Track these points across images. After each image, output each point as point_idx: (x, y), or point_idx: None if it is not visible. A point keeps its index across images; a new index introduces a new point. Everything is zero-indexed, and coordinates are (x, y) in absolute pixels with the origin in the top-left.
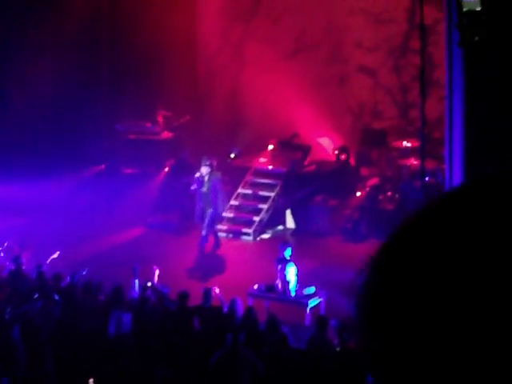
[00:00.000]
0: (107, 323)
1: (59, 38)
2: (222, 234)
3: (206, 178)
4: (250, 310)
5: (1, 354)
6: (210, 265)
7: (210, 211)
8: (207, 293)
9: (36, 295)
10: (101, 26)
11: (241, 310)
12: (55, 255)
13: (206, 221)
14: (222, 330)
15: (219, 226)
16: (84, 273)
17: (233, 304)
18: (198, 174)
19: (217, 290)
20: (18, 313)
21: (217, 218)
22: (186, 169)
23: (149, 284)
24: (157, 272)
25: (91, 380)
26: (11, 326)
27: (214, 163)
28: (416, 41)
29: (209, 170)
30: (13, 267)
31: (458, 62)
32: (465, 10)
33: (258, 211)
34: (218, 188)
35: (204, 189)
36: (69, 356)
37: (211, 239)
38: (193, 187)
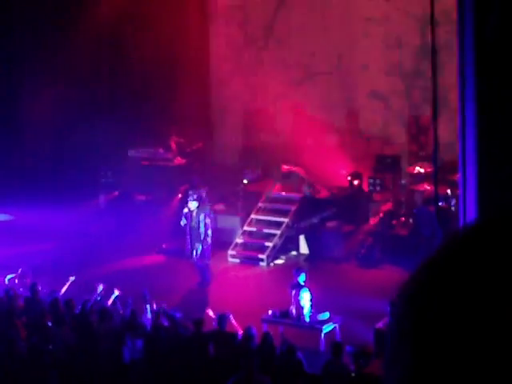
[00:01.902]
0: (121, 348)
1: (72, 65)
2: (234, 260)
3: (195, 213)
4: (266, 336)
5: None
6: (222, 291)
7: (199, 246)
8: (222, 318)
9: (50, 322)
10: (115, 53)
11: (256, 336)
12: (72, 279)
13: (198, 256)
14: (237, 355)
15: (231, 252)
16: (98, 299)
17: (248, 331)
18: (185, 210)
19: (231, 317)
20: (32, 341)
21: (207, 253)
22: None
23: (161, 310)
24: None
25: None
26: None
27: (203, 195)
28: (427, 64)
29: (197, 204)
30: (29, 295)
31: (470, 84)
32: None
33: (271, 237)
34: (206, 222)
35: (192, 223)
36: (83, 381)
37: (203, 273)
38: (182, 223)
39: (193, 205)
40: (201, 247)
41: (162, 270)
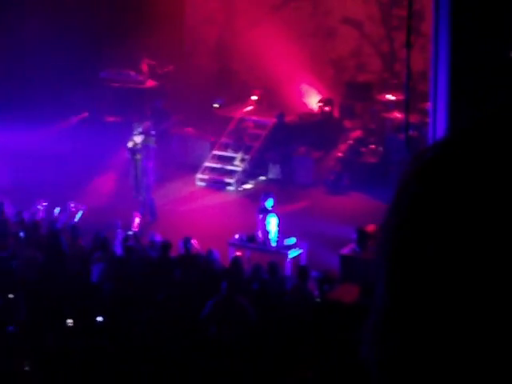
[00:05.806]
0: (90, 270)
1: None
2: (202, 184)
3: (140, 146)
4: (236, 259)
5: None
6: (190, 215)
7: (144, 180)
8: (187, 242)
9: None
10: None
11: (219, 259)
12: (41, 206)
13: (142, 190)
14: (203, 278)
15: (200, 176)
16: (66, 218)
17: (209, 255)
18: (130, 144)
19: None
20: None
21: (151, 186)
22: (162, 116)
23: (130, 232)
24: (137, 220)
25: (70, 321)
26: None
27: (147, 127)
28: None
29: (142, 137)
30: None
31: (444, 12)
32: None
33: (240, 161)
34: (151, 155)
35: (137, 156)
36: (49, 299)
37: (147, 207)
38: (128, 155)
39: (138, 138)
40: (146, 181)
41: (129, 191)
